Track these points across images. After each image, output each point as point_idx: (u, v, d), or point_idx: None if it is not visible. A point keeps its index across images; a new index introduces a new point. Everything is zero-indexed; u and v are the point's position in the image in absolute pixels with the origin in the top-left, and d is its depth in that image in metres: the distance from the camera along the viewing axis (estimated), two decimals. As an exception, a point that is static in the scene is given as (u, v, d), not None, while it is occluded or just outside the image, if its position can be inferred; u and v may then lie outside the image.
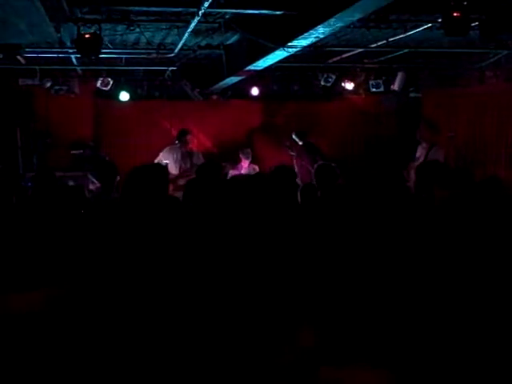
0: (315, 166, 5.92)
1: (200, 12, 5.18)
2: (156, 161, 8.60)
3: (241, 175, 7.54)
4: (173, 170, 8.56)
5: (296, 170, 8.24)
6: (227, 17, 6.18)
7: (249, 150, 9.25)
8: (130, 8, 5.68)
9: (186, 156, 8.50)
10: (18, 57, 7.27)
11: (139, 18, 6.05)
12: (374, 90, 10.24)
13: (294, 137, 9.83)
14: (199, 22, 5.62)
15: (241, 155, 9.32)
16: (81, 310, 2.23)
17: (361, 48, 7.77)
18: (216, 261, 2.53)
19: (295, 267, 2.45)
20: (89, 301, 2.30)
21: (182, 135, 8.62)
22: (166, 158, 8.64)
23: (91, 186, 8.33)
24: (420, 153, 7.86)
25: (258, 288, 2.24)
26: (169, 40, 7.28)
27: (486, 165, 9.13)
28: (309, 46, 5.91)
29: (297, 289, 2.22)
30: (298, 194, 5.06)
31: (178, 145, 8.62)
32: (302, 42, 5.68)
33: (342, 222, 3.45)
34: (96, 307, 2.24)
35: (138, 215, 3.36)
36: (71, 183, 7.39)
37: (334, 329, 1.98)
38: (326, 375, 1.61)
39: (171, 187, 7.95)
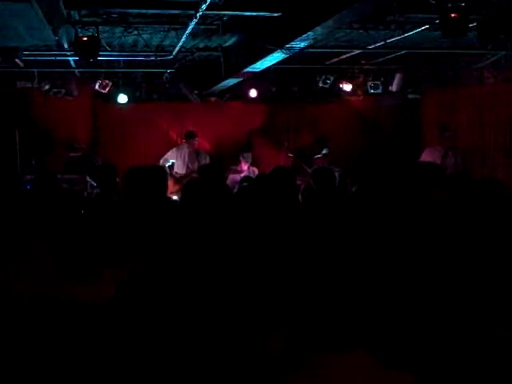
0: (312, 168, 5.93)
1: (198, 14, 5.19)
2: (163, 159, 8.67)
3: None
4: (180, 169, 8.63)
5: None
6: (225, 19, 6.18)
7: (249, 154, 9.28)
8: (128, 10, 5.69)
9: (193, 156, 8.58)
10: (16, 59, 7.27)
11: (137, 20, 6.06)
12: (372, 91, 10.24)
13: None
14: (197, 24, 5.63)
15: (241, 158, 9.33)
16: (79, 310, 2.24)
17: (359, 49, 7.78)
18: (212, 262, 2.53)
19: (290, 269, 2.46)
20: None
21: (190, 137, 8.68)
22: (172, 158, 8.73)
23: (89, 189, 8.33)
24: (432, 157, 7.67)
25: (251, 287, 2.25)
26: (167, 42, 7.29)
27: (484, 165, 9.13)
28: (307, 47, 5.92)
29: (285, 289, 2.23)
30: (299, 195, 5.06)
31: (186, 145, 8.69)
32: (300, 43, 5.69)
33: (340, 225, 3.45)
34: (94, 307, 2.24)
35: (136, 216, 3.36)
36: (65, 186, 7.36)
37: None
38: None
39: (177, 186, 8.03)
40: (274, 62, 6.84)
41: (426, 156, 8.03)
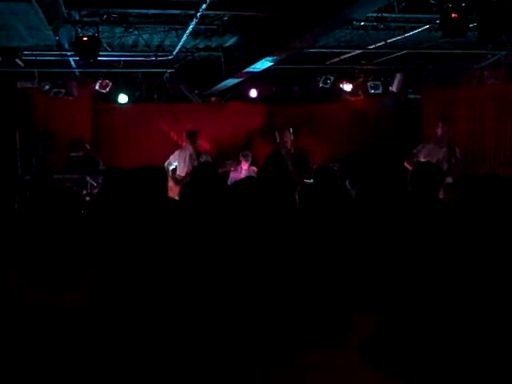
0: (314, 167, 5.89)
1: (198, 14, 5.19)
2: (167, 163, 8.64)
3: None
4: (181, 171, 8.59)
5: None
6: (225, 19, 6.19)
7: (248, 153, 9.26)
8: (128, 10, 5.69)
9: (195, 157, 8.54)
10: (17, 59, 7.27)
11: (137, 20, 6.07)
12: (372, 91, 10.24)
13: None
14: (197, 24, 5.63)
15: (241, 157, 9.33)
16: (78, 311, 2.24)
17: (359, 49, 7.78)
18: (213, 263, 2.53)
19: (291, 268, 2.45)
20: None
21: (191, 136, 8.65)
22: (175, 160, 8.70)
23: (90, 189, 8.33)
24: (436, 155, 7.37)
25: (254, 288, 2.25)
26: (167, 42, 7.29)
27: (484, 165, 9.12)
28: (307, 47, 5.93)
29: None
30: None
31: (188, 146, 8.68)
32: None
33: (342, 224, 3.44)
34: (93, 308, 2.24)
35: (137, 216, 3.36)
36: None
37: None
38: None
39: (178, 188, 7.97)
40: (274, 62, 6.84)
41: (424, 150, 7.69)
